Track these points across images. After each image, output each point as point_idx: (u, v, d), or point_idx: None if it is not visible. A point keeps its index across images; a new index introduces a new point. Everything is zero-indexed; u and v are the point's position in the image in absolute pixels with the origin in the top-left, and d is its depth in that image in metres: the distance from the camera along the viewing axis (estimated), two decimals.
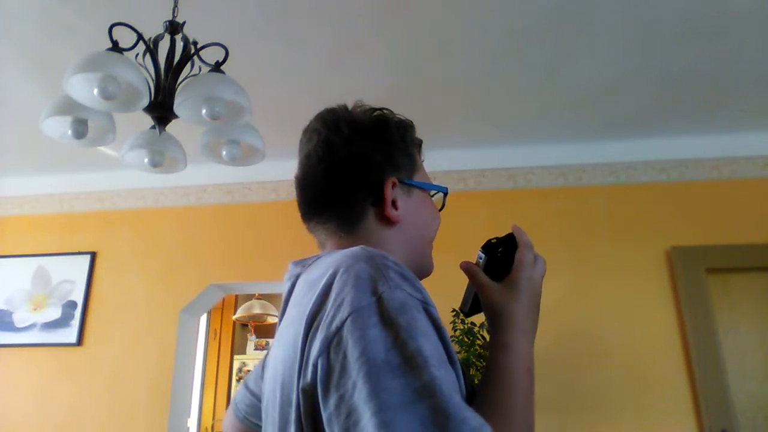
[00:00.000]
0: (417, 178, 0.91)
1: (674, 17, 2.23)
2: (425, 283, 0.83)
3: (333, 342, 0.61)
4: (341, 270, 0.67)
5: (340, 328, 0.62)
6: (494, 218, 3.17)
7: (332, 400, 0.59)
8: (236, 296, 5.59)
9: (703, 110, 2.90)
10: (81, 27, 2.23)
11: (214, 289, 3.37)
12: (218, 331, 5.72)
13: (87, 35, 2.22)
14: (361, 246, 0.71)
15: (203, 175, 3.42)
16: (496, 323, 0.80)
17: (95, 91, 1.53)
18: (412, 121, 0.96)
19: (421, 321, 0.63)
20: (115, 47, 1.58)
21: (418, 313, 0.64)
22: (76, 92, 1.54)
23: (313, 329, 0.65)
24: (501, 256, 0.83)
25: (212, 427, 5.40)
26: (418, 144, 0.96)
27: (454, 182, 3.28)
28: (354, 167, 0.85)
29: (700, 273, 2.91)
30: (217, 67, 1.66)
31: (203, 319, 5.26)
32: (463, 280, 0.89)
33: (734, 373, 2.78)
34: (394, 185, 0.85)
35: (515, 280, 0.80)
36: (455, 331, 2.75)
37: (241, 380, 5.77)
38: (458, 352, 2.69)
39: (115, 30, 1.60)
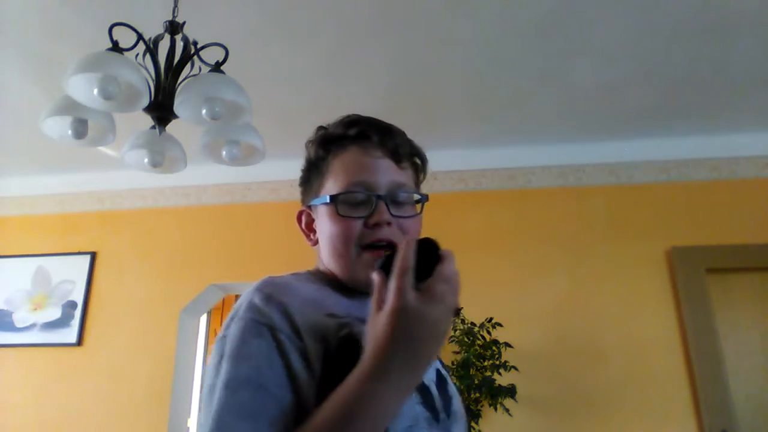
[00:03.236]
0: (327, 188, 0.88)
1: (674, 17, 2.23)
2: None
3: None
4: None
5: None
6: (494, 218, 3.17)
7: None
8: (236, 296, 5.59)
9: (703, 110, 2.90)
10: (81, 27, 2.23)
11: (214, 289, 3.37)
12: (218, 331, 5.70)
13: (87, 35, 2.22)
14: (267, 276, 0.80)
15: (203, 175, 3.42)
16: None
17: (95, 91, 1.53)
18: (341, 120, 0.91)
19: (251, 345, 0.70)
20: (115, 47, 1.58)
21: (255, 338, 0.70)
22: (76, 92, 1.55)
23: None
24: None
25: None
26: (338, 136, 0.90)
27: (454, 182, 3.28)
28: None
29: (700, 273, 2.90)
30: (217, 67, 1.66)
31: (203, 319, 5.25)
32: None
33: (734, 373, 2.78)
34: (301, 215, 0.95)
35: (383, 314, 0.66)
36: (455, 331, 2.75)
37: None
38: (458, 352, 2.70)
39: (115, 30, 1.60)
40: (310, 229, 0.94)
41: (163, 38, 1.75)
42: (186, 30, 1.78)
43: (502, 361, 2.71)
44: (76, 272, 3.38)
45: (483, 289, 2.99)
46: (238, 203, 3.45)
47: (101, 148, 3.10)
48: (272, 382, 0.67)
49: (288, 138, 3.06)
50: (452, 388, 0.86)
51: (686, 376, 2.77)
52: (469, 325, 2.76)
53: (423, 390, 0.78)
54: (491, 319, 2.77)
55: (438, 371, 0.86)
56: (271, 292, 0.75)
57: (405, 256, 0.67)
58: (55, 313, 3.31)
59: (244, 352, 0.69)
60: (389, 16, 2.22)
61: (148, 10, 2.01)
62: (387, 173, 0.87)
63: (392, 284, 0.66)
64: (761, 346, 2.88)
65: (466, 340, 2.71)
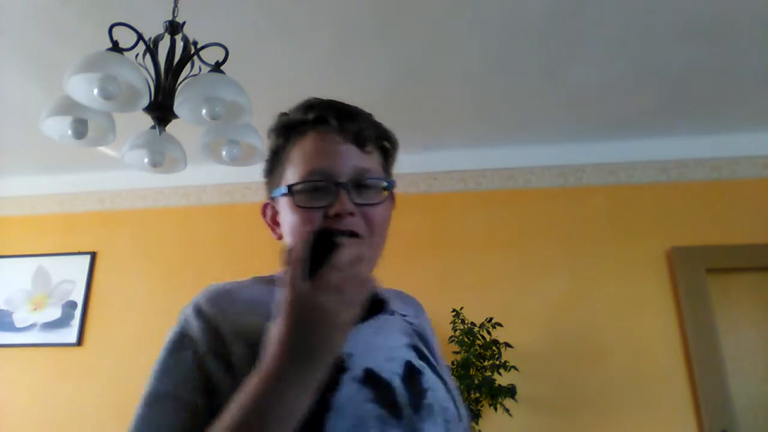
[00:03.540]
0: (287, 178, 0.84)
1: (674, 17, 2.23)
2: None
3: None
4: None
5: None
6: (494, 218, 3.17)
7: None
8: None
9: (703, 110, 2.90)
10: (81, 27, 2.23)
11: None
12: None
13: (87, 35, 2.22)
14: (210, 284, 0.82)
15: (203, 175, 3.42)
16: None
17: (95, 91, 1.53)
18: (300, 105, 0.90)
19: (171, 358, 0.74)
20: (115, 47, 1.58)
21: (177, 351, 0.74)
22: (76, 92, 1.55)
23: None
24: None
25: None
26: (297, 122, 0.87)
27: (454, 182, 3.28)
28: None
29: (700, 273, 2.90)
30: (217, 67, 1.66)
31: None
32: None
33: (734, 373, 2.78)
34: (265, 208, 0.92)
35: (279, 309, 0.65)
36: (455, 331, 2.75)
37: None
38: (458, 352, 2.70)
39: (115, 30, 1.60)
40: (275, 222, 0.90)
41: (163, 38, 1.75)
42: (186, 30, 1.78)
43: (502, 361, 2.71)
44: (76, 272, 3.38)
45: (483, 289, 2.99)
46: (238, 203, 3.45)
47: (101, 148, 3.09)
48: (188, 392, 0.70)
49: None
50: (430, 381, 0.79)
51: (686, 376, 2.77)
52: (469, 325, 2.76)
53: (379, 385, 0.73)
54: (491, 319, 2.77)
55: (409, 363, 0.80)
56: (202, 303, 0.77)
57: (296, 249, 0.65)
58: (55, 313, 3.31)
59: (165, 366, 0.74)
60: (389, 16, 2.22)
61: (148, 10, 2.01)
62: (349, 159, 0.82)
63: (284, 278, 0.65)
64: (761, 346, 2.88)
65: (466, 340, 2.71)
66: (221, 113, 1.63)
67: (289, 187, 0.82)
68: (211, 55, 1.72)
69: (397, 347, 0.82)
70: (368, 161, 0.84)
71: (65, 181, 3.59)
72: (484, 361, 2.70)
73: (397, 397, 0.74)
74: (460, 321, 2.77)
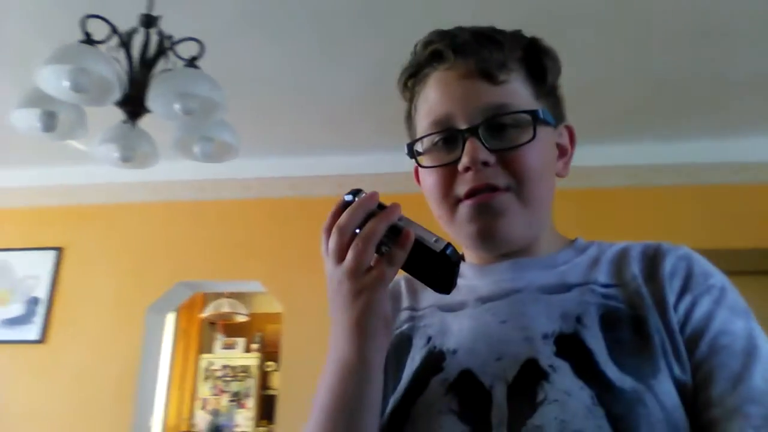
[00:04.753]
0: (418, 132, 0.71)
1: (673, 17, 2.21)
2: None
3: None
4: None
5: None
6: None
7: None
8: (204, 294, 5.54)
9: (702, 112, 2.88)
10: (53, 18, 2.19)
11: (181, 286, 3.33)
12: (186, 330, 5.66)
13: (59, 26, 2.17)
14: None
15: (174, 171, 3.36)
16: None
17: (66, 83, 1.51)
18: (420, 42, 0.73)
19: None
20: (88, 39, 1.56)
21: None
22: (46, 84, 1.52)
23: None
24: None
25: (185, 425, 5.38)
26: (417, 66, 0.71)
27: None
28: None
29: None
30: (191, 62, 1.65)
31: (171, 317, 5.19)
32: None
33: None
34: (417, 174, 0.73)
35: None
36: None
37: (208, 379, 5.73)
38: None
39: (88, 22, 1.58)
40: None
41: (137, 32, 1.73)
42: (164, 26, 1.76)
43: None
44: (40, 268, 3.30)
45: None
46: (210, 200, 3.41)
47: (71, 142, 3.03)
48: None
49: (263, 134, 3.03)
50: (555, 390, 0.54)
51: None
52: None
53: (470, 393, 0.58)
54: None
55: (530, 363, 0.57)
56: None
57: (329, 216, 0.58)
58: (17, 309, 3.24)
59: None
60: (369, 11, 2.21)
61: (123, 3, 1.98)
62: (474, 97, 0.65)
63: None
64: None
65: None
66: (195, 109, 1.62)
67: (409, 146, 0.69)
68: (189, 51, 1.70)
69: (521, 340, 0.60)
70: (504, 94, 0.65)
71: (32, 175, 3.51)
72: None
73: (492, 412, 0.55)
74: None
